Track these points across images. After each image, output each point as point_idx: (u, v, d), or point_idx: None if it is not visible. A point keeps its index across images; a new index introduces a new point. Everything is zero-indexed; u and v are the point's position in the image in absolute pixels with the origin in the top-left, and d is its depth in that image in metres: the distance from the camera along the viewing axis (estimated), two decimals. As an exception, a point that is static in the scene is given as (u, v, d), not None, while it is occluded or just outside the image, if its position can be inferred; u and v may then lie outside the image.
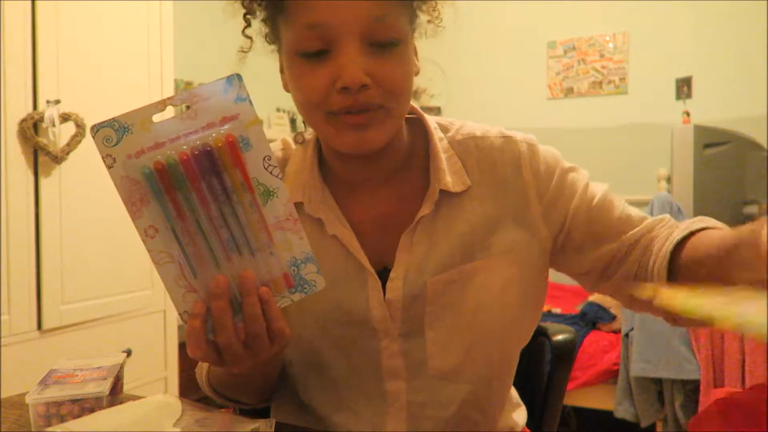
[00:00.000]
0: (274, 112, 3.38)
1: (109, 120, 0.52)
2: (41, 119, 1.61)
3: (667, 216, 0.80)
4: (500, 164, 0.76)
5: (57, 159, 1.65)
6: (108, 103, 1.82)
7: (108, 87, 1.83)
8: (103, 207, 1.81)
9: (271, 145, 0.77)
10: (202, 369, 0.81)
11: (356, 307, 0.74)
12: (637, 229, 0.76)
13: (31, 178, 1.63)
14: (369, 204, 0.76)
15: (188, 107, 0.53)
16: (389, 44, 0.64)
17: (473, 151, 0.77)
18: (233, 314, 0.57)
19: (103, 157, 0.52)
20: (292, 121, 3.50)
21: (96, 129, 0.52)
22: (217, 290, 0.55)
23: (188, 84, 2.81)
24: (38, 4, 1.62)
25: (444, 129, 0.80)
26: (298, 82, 0.67)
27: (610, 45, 3.27)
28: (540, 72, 3.38)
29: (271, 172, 0.55)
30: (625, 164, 3.21)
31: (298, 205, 0.75)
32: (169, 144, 0.53)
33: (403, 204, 0.76)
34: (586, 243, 0.77)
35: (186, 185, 0.53)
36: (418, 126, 0.79)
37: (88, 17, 1.77)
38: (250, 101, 0.54)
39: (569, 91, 3.35)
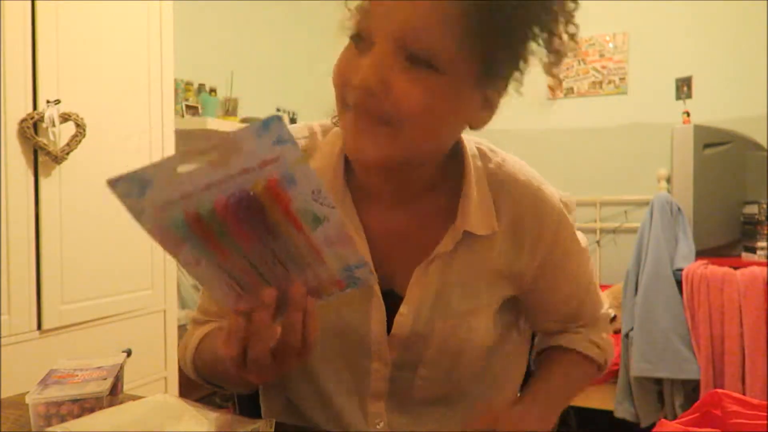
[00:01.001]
0: (274, 112, 3.38)
1: (128, 174, 0.46)
2: (41, 119, 1.61)
3: (599, 315, 0.85)
4: (527, 222, 0.73)
5: (57, 159, 1.65)
6: (108, 103, 1.82)
7: (108, 87, 1.83)
8: (103, 207, 1.81)
9: (294, 131, 0.74)
10: (186, 348, 0.79)
11: (355, 324, 0.73)
12: (560, 329, 0.83)
13: (31, 178, 1.63)
14: (388, 219, 0.73)
15: (217, 154, 0.47)
16: (424, 63, 0.58)
17: (509, 196, 0.73)
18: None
19: (127, 209, 0.48)
20: (292, 121, 3.50)
21: (114, 184, 0.46)
22: (266, 300, 0.52)
23: (188, 84, 2.81)
24: (38, 4, 1.62)
25: (485, 158, 0.74)
26: (337, 61, 0.64)
27: (610, 45, 3.27)
28: (540, 72, 3.38)
29: (321, 203, 0.50)
30: (625, 164, 3.20)
31: None
32: (199, 194, 0.47)
33: (424, 227, 0.72)
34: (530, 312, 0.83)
35: (225, 229, 0.49)
36: (454, 147, 0.73)
37: (88, 17, 1.77)
38: (294, 141, 0.46)
39: (569, 91, 3.35)
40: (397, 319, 0.72)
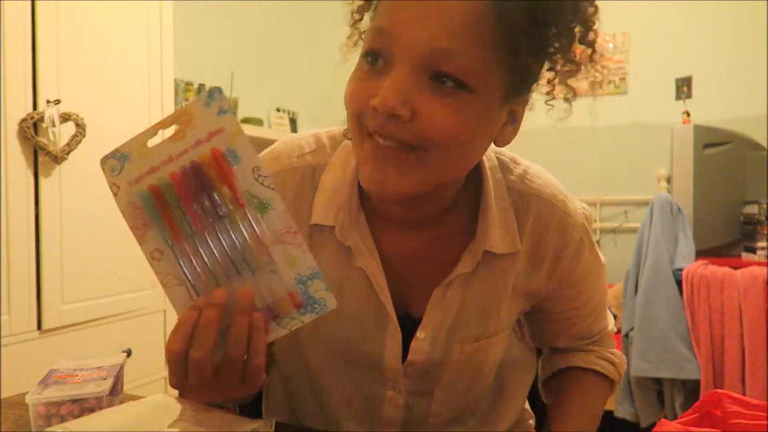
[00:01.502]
0: (274, 112, 3.38)
1: (113, 151, 0.54)
2: (41, 119, 1.61)
3: (606, 331, 0.83)
4: (548, 242, 0.70)
5: (57, 159, 1.65)
6: (108, 103, 1.82)
7: (108, 87, 1.83)
8: (103, 207, 1.81)
9: (300, 142, 0.73)
10: None
11: (370, 351, 0.70)
12: (567, 346, 0.82)
13: (31, 178, 1.63)
14: (405, 241, 0.69)
15: (177, 128, 0.53)
16: (452, 83, 0.53)
17: (532, 212, 0.69)
18: (219, 336, 0.53)
19: (109, 186, 0.54)
20: (292, 121, 3.49)
21: (104, 161, 0.54)
22: (214, 300, 0.52)
23: (188, 84, 2.81)
24: (38, 4, 1.62)
25: (505, 168, 0.70)
26: (350, 83, 0.58)
27: (610, 45, 3.27)
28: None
29: (262, 183, 0.53)
30: (625, 164, 3.20)
31: (328, 229, 0.68)
32: (163, 167, 0.53)
33: (442, 248, 0.69)
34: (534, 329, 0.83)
35: (180, 205, 0.53)
36: None
37: (88, 17, 1.77)
38: (233, 112, 0.53)
39: (569, 91, 3.35)
40: (414, 344, 0.69)
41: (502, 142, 0.62)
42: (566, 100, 0.63)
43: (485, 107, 0.56)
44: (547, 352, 0.86)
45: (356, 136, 0.59)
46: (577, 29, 0.58)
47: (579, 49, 0.60)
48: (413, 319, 0.70)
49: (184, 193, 0.53)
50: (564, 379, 0.81)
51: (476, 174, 0.68)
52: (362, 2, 0.63)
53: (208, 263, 0.54)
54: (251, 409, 0.88)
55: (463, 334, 0.69)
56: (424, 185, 0.58)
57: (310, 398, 0.77)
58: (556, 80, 0.61)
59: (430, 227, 0.68)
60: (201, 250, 0.54)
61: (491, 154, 0.71)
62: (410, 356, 0.69)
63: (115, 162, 0.54)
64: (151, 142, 0.54)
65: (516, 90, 0.58)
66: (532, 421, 0.89)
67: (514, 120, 0.61)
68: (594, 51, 0.60)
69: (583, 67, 0.60)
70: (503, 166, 0.70)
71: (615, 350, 0.83)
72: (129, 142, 0.54)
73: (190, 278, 0.54)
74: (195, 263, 0.54)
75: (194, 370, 0.53)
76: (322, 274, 0.54)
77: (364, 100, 0.55)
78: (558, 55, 0.59)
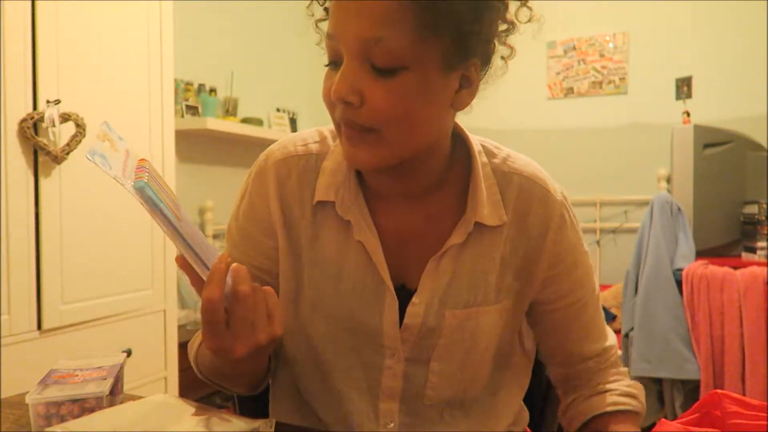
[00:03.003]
0: (274, 112, 3.39)
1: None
2: (41, 119, 1.61)
3: (613, 351, 0.83)
4: (532, 216, 0.75)
5: (57, 159, 1.65)
6: (108, 103, 1.82)
7: (108, 87, 1.83)
8: (103, 207, 1.81)
9: (306, 136, 0.80)
10: (193, 346, 0.80)
11: (369, 320, 0.74)
12: (578, 353, 0.81)
13: (31, 178, 1.63)
14: (398, 216, 0.75)
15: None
16: (388, 65, 0.61)
17: (514, 188, 0.75)
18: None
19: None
20: (292, 121, 3.50)
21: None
22: (221, 260, 0.59)
23: (188, 84, 2.81)
24: (38, 4, 1.62)
25: (489, 154, 0.77)
26: (322, 86, 0.67)
27: (610, 45, 3.27)
28: (540, 72, 3.38)
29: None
30: (625, 164, 3.20)
31: (330, 204, 0.75)
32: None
33: (433, 223, 0.75)
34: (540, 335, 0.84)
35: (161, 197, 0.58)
36: (460, 145, 0.76)
37: (88, 17, 1.77)
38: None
39: (569, 91, 3.35)
40: (409, 309, 0.73)
41: (460, 105, 0.68)
42: (503, 58, 0.70)
43: (425, 80, 0.62)
44: (565, 396, 0.84)
45: (335, 125, 0.67)
46: None
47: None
48: (408, 290, 0.75)
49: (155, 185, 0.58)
50: (600, 426, 0.78)
51: (464, 157, 0.75)
52: (322, 11, 0.71)
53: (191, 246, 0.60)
54: (252, 407, 0.89)
55: (455, 301, 0.74)
56: (394, 158, 0.65)
57: (313, 375, 0.79)
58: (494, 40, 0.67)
59: (424, 205, 0.74)
60: (180, 233, 0.59)
61: (476, 141, 0.77)
62: (406, 320, 0.74)
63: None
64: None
65: (458, 57, 0.63)
66: (525, 414, 0.90)
67: (468, 84, 0.67)
68: (530, 9, 0.67)
69: (517, 25, 0.68)
70: (487, 152, 0.77)
71: (631, 381, 0.81)
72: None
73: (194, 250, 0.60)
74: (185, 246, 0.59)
75: (206, 310, 0.58)
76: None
77: (329, 97, 0.64)
78: (491, 18, 0.64)
